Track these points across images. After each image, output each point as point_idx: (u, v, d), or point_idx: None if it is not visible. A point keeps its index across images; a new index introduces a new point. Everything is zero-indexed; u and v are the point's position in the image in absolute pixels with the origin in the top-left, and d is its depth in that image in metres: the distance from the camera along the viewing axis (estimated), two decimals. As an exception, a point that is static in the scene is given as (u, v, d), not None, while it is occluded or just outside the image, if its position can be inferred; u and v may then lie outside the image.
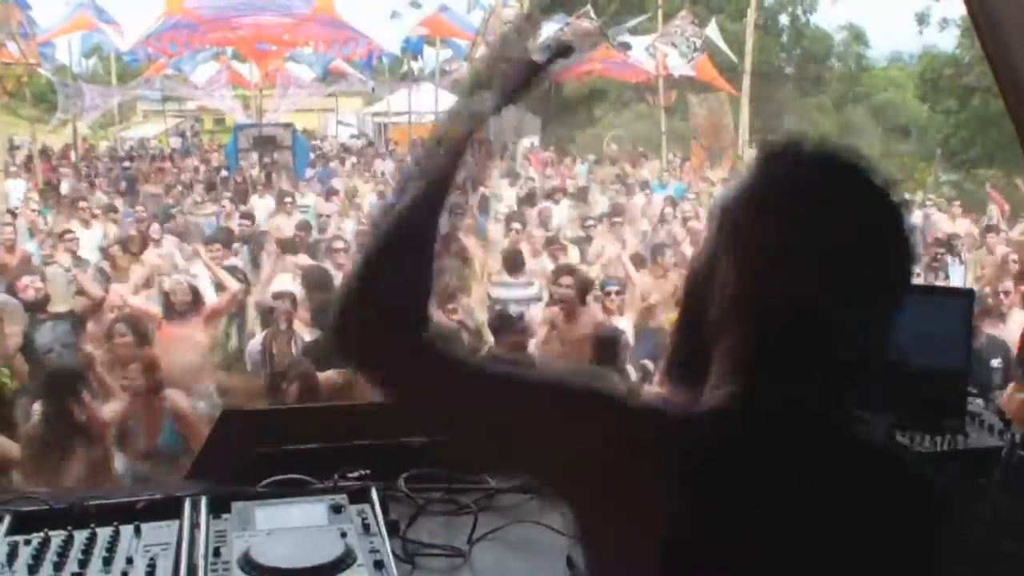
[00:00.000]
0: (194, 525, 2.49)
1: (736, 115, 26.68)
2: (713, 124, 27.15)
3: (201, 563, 2.29)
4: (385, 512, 2.60)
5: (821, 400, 1.54)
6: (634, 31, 28.84)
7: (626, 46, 27.31)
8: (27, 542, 2.38)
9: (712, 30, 28.06)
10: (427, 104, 36.22)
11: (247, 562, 2.24)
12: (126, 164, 28.04)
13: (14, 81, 19.14)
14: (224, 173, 24.32)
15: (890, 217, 1.55)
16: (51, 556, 2.31)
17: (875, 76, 53.87)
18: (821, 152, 1.59)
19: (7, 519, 2.50)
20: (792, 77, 52.25)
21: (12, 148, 29.54)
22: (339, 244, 12.25)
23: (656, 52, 26.89)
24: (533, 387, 1.56)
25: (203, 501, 2.58)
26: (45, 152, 30.55)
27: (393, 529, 2.58)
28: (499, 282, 11.78)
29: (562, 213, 16.54)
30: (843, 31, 53.15)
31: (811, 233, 1.50)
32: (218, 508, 2.56)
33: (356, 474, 2.78)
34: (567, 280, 9.42)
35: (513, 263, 11.78)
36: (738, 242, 1.56)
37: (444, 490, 2.85)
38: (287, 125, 27.26)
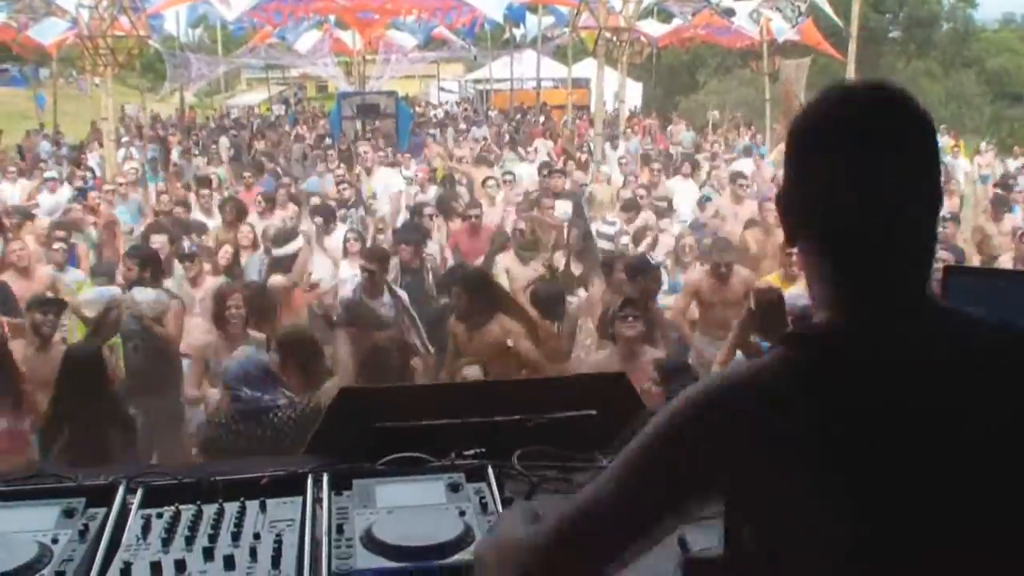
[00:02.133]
0: (316, 501, 2.56)
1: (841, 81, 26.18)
2: (785, 91, 26.75)
3: (325, 539, 2.35)
4: (500, 490, 2.63)
5: (913, 291, 1.60)
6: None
7: (730, 12, 26.97)
8: (159, 515, 2.46)
9: (818, -7, 27.62)
10: (529, 71, 36.24)
11: (370, 539, 2.30)
12: (233, 132, 28.49)
13: (125, 53, 19.50)
14: (328, 140, 24.54)
15: (921, 129, 1.61)
16: (182, 530, 2.39)
17: (985, 39, 52.45)
18: (861, 89, 1.67)
19: (139, 492, 2.59)
20: (899, 41, 51.10)
21: (124, 117, 30.14)
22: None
23: (760, 17, 26.50)
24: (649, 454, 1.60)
25: (325, 478, 2.64)
26: (154, 120, 31.22)
27: (507, 506, 2.62)
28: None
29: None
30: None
31: (854, 160, 1.57)
32: (339, 485, 2.63)
33: (472, 452, 2.82)
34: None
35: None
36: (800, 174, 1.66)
37: (558, 468, 2.88)
38: (390, 93, 27.44)
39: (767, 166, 17.93)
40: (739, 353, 6.75)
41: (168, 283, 9.61)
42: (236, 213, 12.22)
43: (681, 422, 1.57)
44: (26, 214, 12.64)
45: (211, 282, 9.77)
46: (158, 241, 10.45)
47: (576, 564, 1.60)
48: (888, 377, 1.51)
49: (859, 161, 1.56)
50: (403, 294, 8.90)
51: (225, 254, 10.53)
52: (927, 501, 1.47)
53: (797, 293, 8.20)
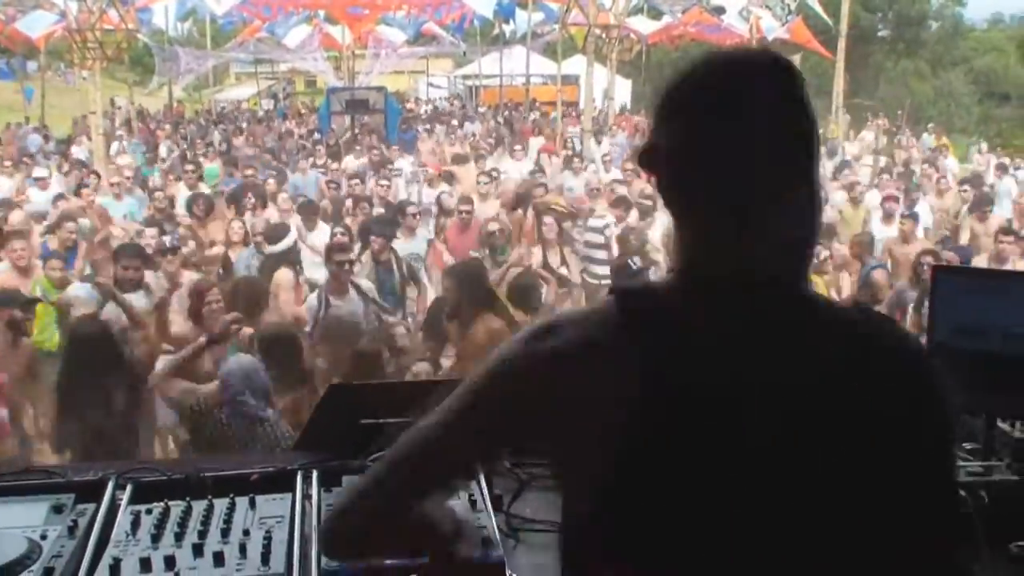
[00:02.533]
0: (306, 498, 2.56)
1: (831, 80, 26.33)
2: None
3: (314, 536, 2.36)
4: (490, 487, 2.64)
5: (770, 270, 1.56)
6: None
7: (719, 10, 27.01)
8: (148, 511, 2.47)
9: (807, -8, 27.72)
10: (518, 67, 36.21)
11: (360, 536, 2.30)
12: (222, 127, 28.46)
13: (114, 47, 19.47)
14: (316, 136, 24.52)
15: (786, 90, 1.59)
16: (172, 526, 2.39)
17: (974, 39, 52.57)
18: (740, 56, 1.65)
19: (128, 488, 2.60)
20: (888, 39, 51.17)
21: (114, 108, 30.03)
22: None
23: (750, 15, 26.56)
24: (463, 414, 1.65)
25: (314, 475, 2.65)
26: (142, 114, 31.15)
27: (497, 504, 2.63)
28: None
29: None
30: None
31: (716, 126, 1.55)
32: (329, 481, 2.63)
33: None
34: None
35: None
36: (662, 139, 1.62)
37: (544, 465, 2.88)
38: (379, 88, 27.41)
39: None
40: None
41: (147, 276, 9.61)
42: (206, 210, 12.27)
43: (503, 356, 1.63)
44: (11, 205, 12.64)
45: (188, 277, 9.52)
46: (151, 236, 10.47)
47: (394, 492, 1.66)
48: (697, 346, 1.52)
49: (723, 128, 1.53)
50: (366, 283, 8.93)
51: (216, 249, 10.47)
52: (699, 471, 1.49)
53: None
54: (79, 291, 8.88)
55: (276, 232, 10.75)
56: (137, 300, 8.22)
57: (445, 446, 1.64)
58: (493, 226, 11.15)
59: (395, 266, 10.19)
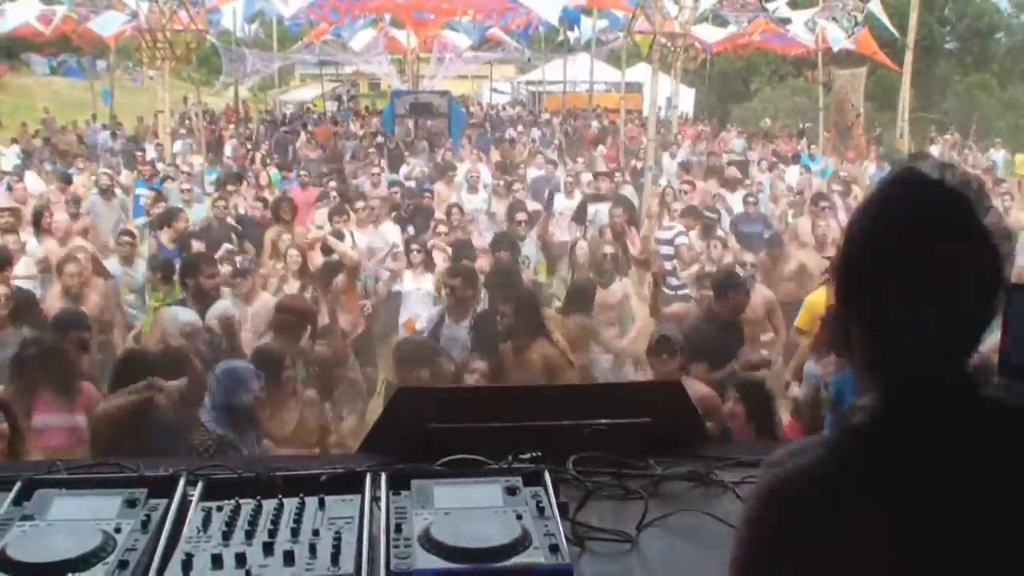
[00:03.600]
0: (374, 500, 2.58)
1: (896, 92, 26.10)
2: (839, 100, 26.66)
3: (383, 538, 2.37)
4: (556, 495, 2.65)
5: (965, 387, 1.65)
6: (794, 5, 28.32)
7: (785, 20, 26.86)
8: (219, 508, 2.49)
9: (874, 4, 27.41)
10: (582, 74, 36.22)
11: (428, 540, 2.32)
12: (285, 129, 28.71)
13: (183, 47, 19.73)
14: (380, 139, 24.71)
15: (983, 243, 1.64)
16: (242, 524, 2.42)
17: (1045, 52, 51.79)
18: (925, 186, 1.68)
19: (200, 485, 2.63)
20: (956, 52, 50.56)
21: (187, 106, 30.32)
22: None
23: (816, 26, 26.39)
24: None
25: (383, 477, 2.66)
26: (208, 114, 31.51)
27: (562, 512, 2.63)
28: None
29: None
30: (1010, 2, 51.20)
31: (918, 267, 1.63)
32: (397, 484, 2.65)
33: (528, 456, 2.83)
34: None
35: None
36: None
37: (612, 474, 2.89)
38: (443, 93, 27.53)
39: (815, 178, 17.83)
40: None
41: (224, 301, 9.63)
42: (291, 213, 12.31)
43: (752, 527, 1.72)
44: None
45: (265, 298, 9.56)
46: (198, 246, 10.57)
47: None
48: (928, 461, 1.59)
49: (920, 262, 1.62)
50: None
51: (295, 258, 10.49)
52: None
53: None
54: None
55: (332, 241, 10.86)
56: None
57: None
58: (608, 248, 10.81)
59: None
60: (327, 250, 10.53)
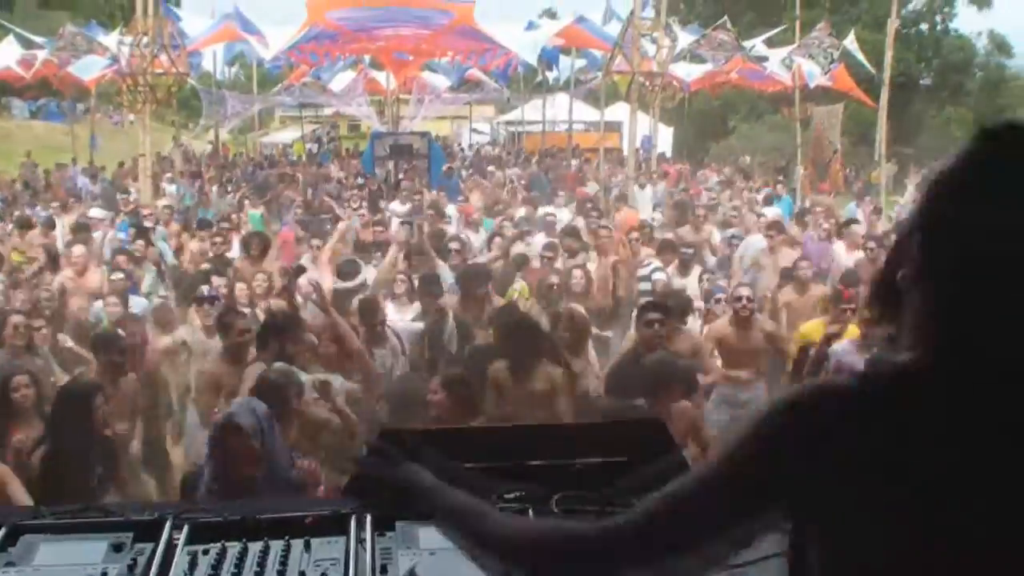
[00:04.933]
0: (360, 542, 2.60)
1: (873, 128, 26.30)
2: (816, 137, 26.87)
3: (368, 578, 2.39)
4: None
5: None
6: (771, 43, 28.56)
7: (762, 59, 27.07)
8: (205, 552, 2.51)
9: (850, 41, 27.68)
10: (561, 114, 36.39)
11: (413, 581, 2.34)
12: (267, 171, 28.73)
13: (164, 91, 19.74)
14: (360, 180, 24.75)
15: None
16: (229, 567, 2.43)
17: (1018, 87, 52.23)
18: (1014, 139, 1.60)
19: (186, 529, 2.64)
20: (931, 88, 51.01)
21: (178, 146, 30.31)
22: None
23: (792, 63, 26.61)
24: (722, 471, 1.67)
25: (368, 519, 2.68)
26: (189, 156, 31.53)
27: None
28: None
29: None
30: (984, 39, 51.77)
31: (993, 215, 1.53)
32: (382, 525, 2.66)
33: (511, 495, 2.85)
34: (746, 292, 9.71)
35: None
36: (927, 217, 1.64)
37: (596, 512, 2.90)
38: (423, 134, 27.66)
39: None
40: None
41: (182, 331, 9.79)
42: (261, 248, 12.34)
43: (763, 425, 1.64)
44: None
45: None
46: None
47: (648, 553, 1.66)
48: (959, 416, 1.54)
49: (1007, 213, 1.53)
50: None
51: (268, 283, 10.52)
52: (991, 529, 1.50)
53: (844, 349, 8.26)
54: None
55: (348, 268, 10.94)
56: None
57: (701, 504, 1.66)
58: (552, 279, 10.91)
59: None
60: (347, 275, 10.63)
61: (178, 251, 14.44)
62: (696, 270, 12.72)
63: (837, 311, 9.24)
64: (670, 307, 9.01)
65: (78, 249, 12.12)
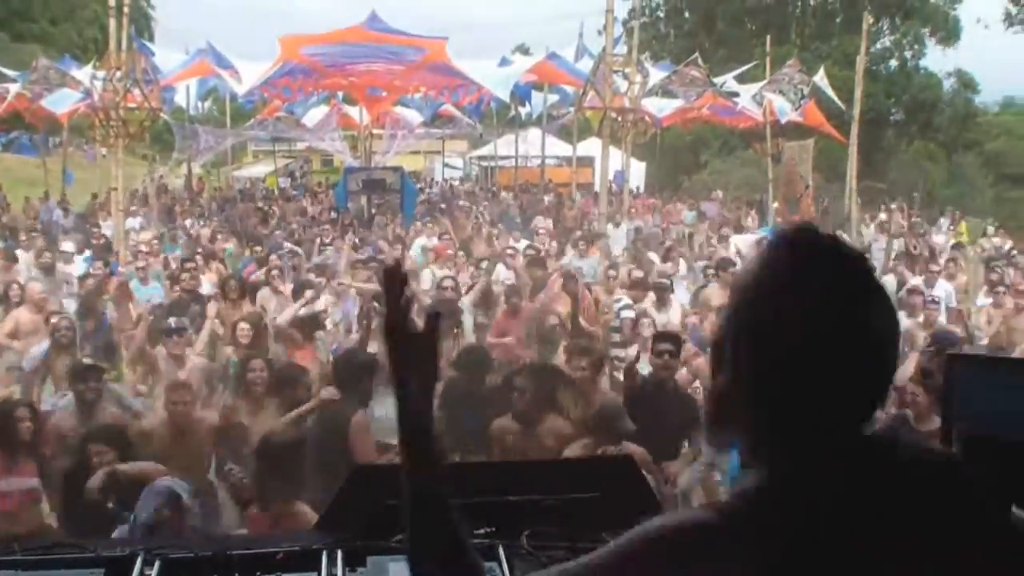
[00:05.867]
0: (331, 577, 2.61)
1: (844, 162, 26.54)
2: (788, 172, 27.10)
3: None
4: (511, 570, 2.68)
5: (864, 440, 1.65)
6: (742, 79, 28.77)
7: (733, 94, 27.28)
8: (177, 588, 2.52)
9: (820, 77, 27.95)
10: (533, 149, 36.54)
11: (384, 616, 2.35)
12: (241, 205, 28.70)
13: (137, 125, 19.77)
14: (333, 215, 24.77)
15: (867, 292, 1.64)
16: (200, 603, 2.44)
17: (986, 122, 52.86)
18: (809, 241, 1.68)
19: (157, 565, 2.65)
20: (901, 123, 51.53)
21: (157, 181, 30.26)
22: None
23: (763, 99, 26.82)
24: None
25: (339, 554, 2.69)
26: (162, 191, 31.45)
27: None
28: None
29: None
30: (951, 77, 52.39)
31: (800, 313, 1.61)
32: (353, 561, 2.68)
33: (482, 531, 2.86)
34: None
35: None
36: (737, 322, 1.69)
37: (566, 549, 2.92)
38: (396, 168, 27.70)
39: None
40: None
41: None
42: (241, 291, 12.35)
43: (627, 558, 1.64)
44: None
45: (195, 362, 9.86)
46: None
47: None
48: (811, 531, 1.57)
49: (813, 310, 1.60)
50: None
51: (244, 332, 10.52)
52: None
53: None
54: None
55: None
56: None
57: None
58: (552, 320, 10.99)
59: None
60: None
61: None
62: (676, 304, 12.78)
63: None
64: (681, 339, 9.11)
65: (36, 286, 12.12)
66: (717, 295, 12.98)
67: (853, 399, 1.63)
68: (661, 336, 8.99)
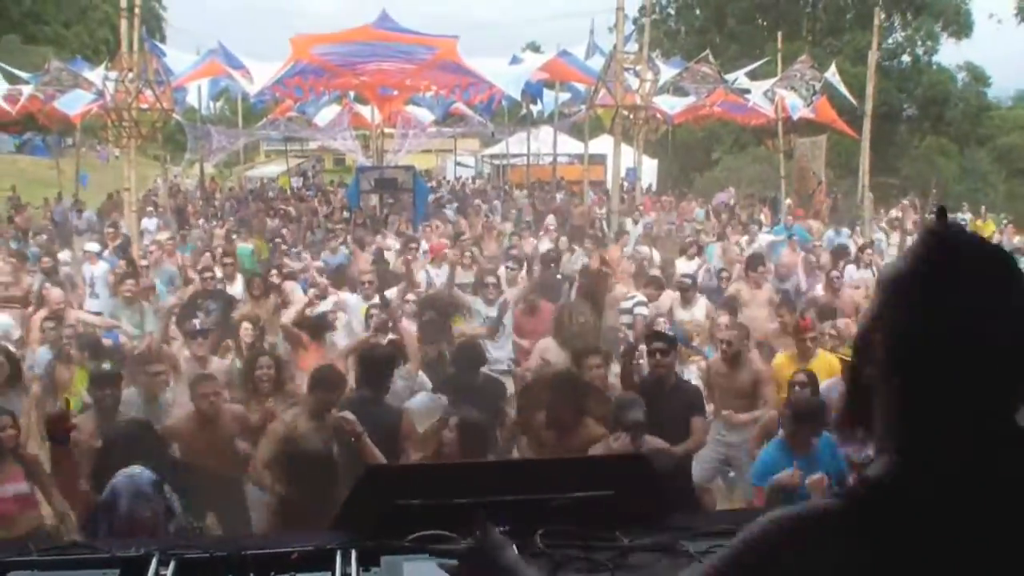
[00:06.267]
0: (345, 576, 2.62)
1: (857, 158, 26.48)
2: (800, 168, 27.02)
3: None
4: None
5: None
6: (753, 75, 28.70)
7: (745, 91, 27.20)
8: (191, 588, 2.53)
9: (832, 73, 27.85)
10: (545, 147, 36.52)
11: (398, 616, 2.36)
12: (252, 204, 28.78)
13: (150, 126, 19.81)
14: (345, 214, 24.80)
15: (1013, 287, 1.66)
16: (215, 603, 2.45)
17: (999, 116, 52.63)
18: (971, 244, 1.70)
19: (172, 565, 2.66)
20: (913, 118, 51.36)
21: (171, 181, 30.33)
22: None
23: (775, 95, 26.74)
24: None
25: (353, 554, 2.70)
26: (174, 191, 31.56)
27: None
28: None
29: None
30: (963, 71, 52.21)
31: (949, 317, 1.63)
32: (367, 560, 2.68)
33: (496, 530, 2.86)
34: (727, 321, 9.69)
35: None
36: (889, 317, 1.71)
37: (579, 547, 2.93)
38: (408, 168, 27.69)
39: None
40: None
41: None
42: (261, 290, 12.38)
43: (746, 554, 1.67)
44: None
45: (216, 364, 9.82)
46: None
47: None
48: (943, 526, 1.59)
49: (963, 304, 1.63)
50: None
51: (247, 333, 10.54)
52: None
53: (831, 384, 8.26)
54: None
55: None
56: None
57: None
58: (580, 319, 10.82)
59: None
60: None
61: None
62: (701, 301, 12.72)
63: (801, 344, 9.31)
64: (675, 337, 9.08)
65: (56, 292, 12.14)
66: (746, 292, 12.95)
67: (1003, 389, 1.64)
68: (655, 335, 8.96)
